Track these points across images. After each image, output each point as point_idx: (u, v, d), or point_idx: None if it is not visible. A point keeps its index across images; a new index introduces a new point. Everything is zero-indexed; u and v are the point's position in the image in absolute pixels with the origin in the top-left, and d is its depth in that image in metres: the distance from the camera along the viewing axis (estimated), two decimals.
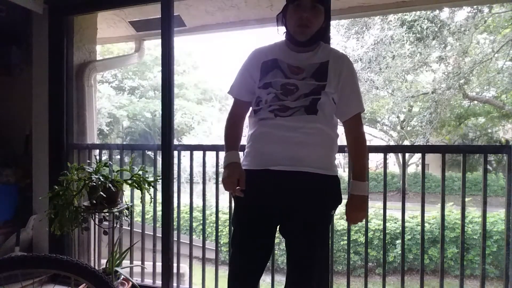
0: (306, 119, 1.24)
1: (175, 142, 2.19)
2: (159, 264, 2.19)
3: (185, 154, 2.30)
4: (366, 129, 14.57)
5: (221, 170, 1.47)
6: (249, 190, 1.28)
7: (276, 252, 6.25)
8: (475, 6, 8.34)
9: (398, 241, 7.11)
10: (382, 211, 2.05)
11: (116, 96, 13.83)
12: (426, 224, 6.87)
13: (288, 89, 1.26)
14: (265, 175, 1.27)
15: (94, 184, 1.84)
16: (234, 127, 1.41)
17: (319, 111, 1.25)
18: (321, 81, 1.26)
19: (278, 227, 1.36)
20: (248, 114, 1.42)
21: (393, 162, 13.77)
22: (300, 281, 1.28)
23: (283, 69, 1.29)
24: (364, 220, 1.81)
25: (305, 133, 1.24)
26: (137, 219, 3.04)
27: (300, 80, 1.27)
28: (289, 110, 1.25)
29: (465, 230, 5.21)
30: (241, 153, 1.38)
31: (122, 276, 2.05)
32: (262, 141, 1.30)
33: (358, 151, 1.34)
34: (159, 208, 2.20)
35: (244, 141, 1.42)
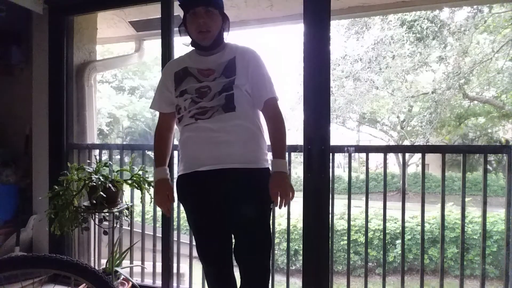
0: (226, 118, 1.30)
1: (175, 142, 2.19)
2: (159, 264, 2.19)
3: None
4: (366, 129, 14.50)
5: None
6: (187, 194, 1.38)
7: (276, 252, 6.25)
8: (475, 6, 8.34)
9: (398, 241, 7.11)
10: (382, 211, 2.05)
11: (116, 96, 13.82)
12: (426, 224, 6.87)
13: (202, 91, 1.33)
14: (196, 177, 1.33)
15: (94, 184, 1.84)
16: (161, 142, 1.49)
17: (237, 106, 1.31)
18: (230, 77, 1.32)
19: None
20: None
21: (393, 162, 13.75)
22: (251, 274, 1.37)
23: (195, 75, 1.36)
24: (365, 220, 1.81)
25: (226, 132, 1.30)
26: (137, 219, 3.03)
27: (212, 81, 1.33)
28: (208, 112, 1.30)
29: (465, 230, 5.20)
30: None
31: (122, 276, 2.05)
32: (188, 145, 1.37)
33: (275, 132, 1.37)
34: (159, 208, 2.19)
35: None
